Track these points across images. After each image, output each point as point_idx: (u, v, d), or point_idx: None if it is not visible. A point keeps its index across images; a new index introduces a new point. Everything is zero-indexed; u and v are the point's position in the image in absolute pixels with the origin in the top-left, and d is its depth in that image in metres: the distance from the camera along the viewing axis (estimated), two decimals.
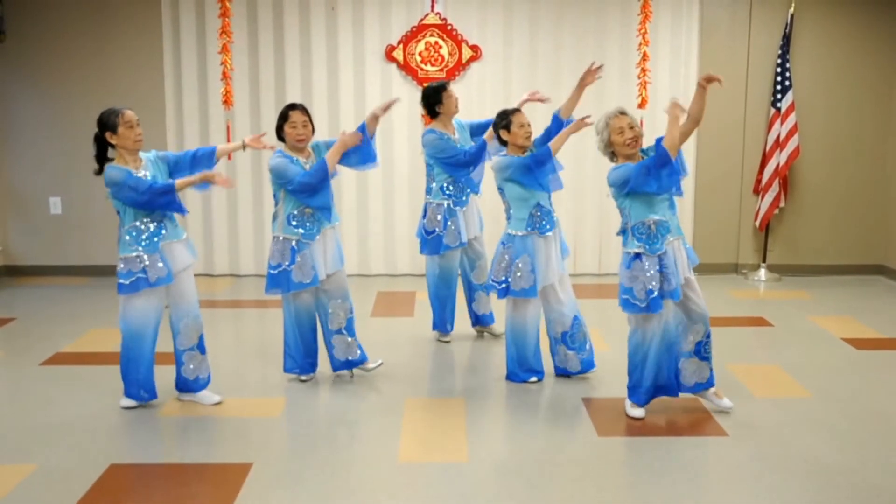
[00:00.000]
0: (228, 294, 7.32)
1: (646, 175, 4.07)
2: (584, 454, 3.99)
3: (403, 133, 7.70)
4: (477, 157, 5.29)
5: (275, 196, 4.73)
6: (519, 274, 4.71)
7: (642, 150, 4.34)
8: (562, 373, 4.98)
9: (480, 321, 5.79)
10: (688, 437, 4.14)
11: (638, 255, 4.19)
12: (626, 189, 4.15)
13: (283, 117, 4.66)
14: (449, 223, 5.39)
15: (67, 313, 6.61)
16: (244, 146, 4.69)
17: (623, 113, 4.25)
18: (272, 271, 4.71)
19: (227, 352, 5.60)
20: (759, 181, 7.78)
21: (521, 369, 4.91)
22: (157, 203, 4.26)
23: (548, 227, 4.75)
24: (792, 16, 7.54)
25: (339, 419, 4.46)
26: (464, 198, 5.43)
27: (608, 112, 4.30)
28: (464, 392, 4.84)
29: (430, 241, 5.45)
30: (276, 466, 3.83)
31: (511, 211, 4.79)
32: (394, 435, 4.19)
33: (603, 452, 3.99)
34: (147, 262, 4.29)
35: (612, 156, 4.32)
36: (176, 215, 4.45)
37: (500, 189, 4.80)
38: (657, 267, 4.15)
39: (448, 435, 4.20)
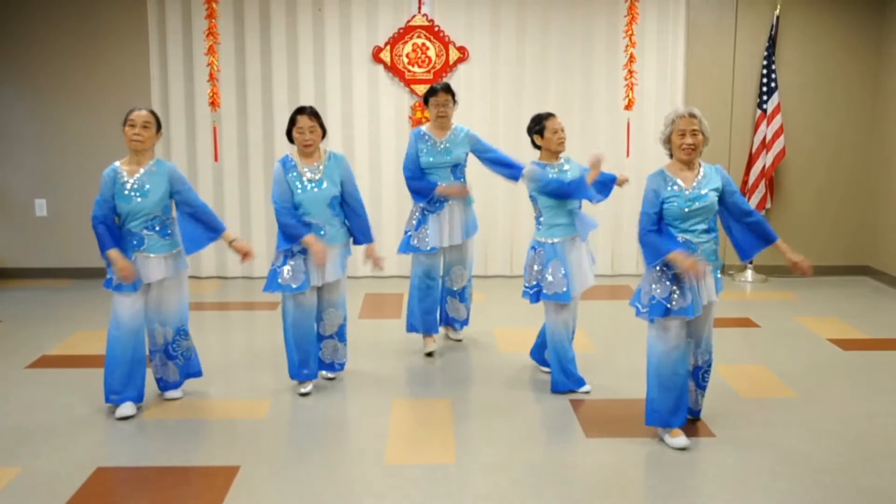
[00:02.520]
0: (215, 296, 7.29)
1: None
2: (572, 455, 3.99)
3: (391, 135, 7.69)
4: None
5: None
6: (551, 279, 4.65)
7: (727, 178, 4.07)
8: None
9: (448, 321, 5.78)
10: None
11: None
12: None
13: (291, 121, 4.63)
14: (420, 227, 5.39)
15: (53, 316, 6.57)
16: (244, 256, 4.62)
17: (693, 115, 3.94)
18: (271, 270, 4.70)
19: (213, 354, 5.58)
20: (745, 182, 7.81)
21: (569, 378, 4.78)
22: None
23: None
24: (777, 18, 7.59)
25: (326, 420, 4.45)
26: (437, 204, 5.38)
27: (679, 109, 4.02)
28: (451, 393, 4.83)
29: (403, 241, 5.49)
30: (263, 468, 3.82)
31: (542, 218, 4.72)
32: (381, 436, 4.19)
33: (590, 454, 4.00)
34: None
35: (670, 154, 4.06)
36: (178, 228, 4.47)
37: (533, 197, 4.76)
38: (670, 279, 3.94)
39: (435, 436, 4.20)
